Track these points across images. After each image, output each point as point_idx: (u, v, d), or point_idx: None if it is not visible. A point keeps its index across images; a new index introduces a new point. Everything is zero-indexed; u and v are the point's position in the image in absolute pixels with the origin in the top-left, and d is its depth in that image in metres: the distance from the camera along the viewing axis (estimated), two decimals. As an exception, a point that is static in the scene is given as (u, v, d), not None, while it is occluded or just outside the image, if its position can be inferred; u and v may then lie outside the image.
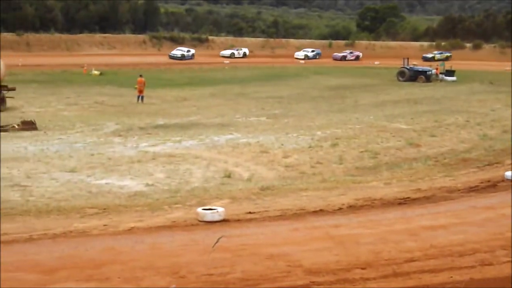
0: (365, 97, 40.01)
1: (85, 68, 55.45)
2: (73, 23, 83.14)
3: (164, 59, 72.38)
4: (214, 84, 49.00)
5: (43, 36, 76.19)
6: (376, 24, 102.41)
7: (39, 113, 29.91)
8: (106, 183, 15.49)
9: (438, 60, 72.22)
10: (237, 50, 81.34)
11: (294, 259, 9.16)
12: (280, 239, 10.52)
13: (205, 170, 17.40)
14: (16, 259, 9.33)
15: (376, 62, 74.65)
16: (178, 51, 75.76)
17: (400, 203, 13.37)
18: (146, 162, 18.29)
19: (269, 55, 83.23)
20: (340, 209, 12.75)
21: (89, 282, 8.30)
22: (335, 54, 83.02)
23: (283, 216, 12.25)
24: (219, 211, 11.86)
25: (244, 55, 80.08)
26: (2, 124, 25.09)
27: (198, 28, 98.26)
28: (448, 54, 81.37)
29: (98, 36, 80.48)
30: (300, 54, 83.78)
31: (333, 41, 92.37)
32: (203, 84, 49.15)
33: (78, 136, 23.58)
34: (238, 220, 11.89)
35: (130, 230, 11.16)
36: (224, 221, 11.70)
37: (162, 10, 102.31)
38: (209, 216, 11.70)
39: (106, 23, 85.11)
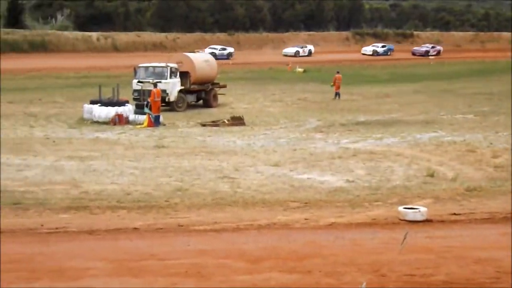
0: None
1: (290, 66, 57.07)
2: (280, 22, 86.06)
3: (361, 55, 72.46)
4: (417, 80, 47.73)
5: (252, 36, 79.82)
6: None
7: (247, 109, 31.37)
8: (308, 178, 15.81)
9: None
10: (302, 47, 72.06)
11: (505, 265, 8.65)
12: (488, 243, 9.99)
13: (406, 168, 17.03)
14: (225, 247, 9.92)
15: None
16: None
17: None
18: (346, 158, 18.36)
19: (479, 49, 79.12)
20: (556, 215, 11.77)
21: (291, 274, 8.56)
22: (415, 48, 76.78)
23: (491, 219, 11.61)
24: (421, 210, 11.57)
25: (310, 53, 70.72)
26: (214, 120, 26.78)
27: (402, 23, 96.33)
28: None
29: (303, 34, 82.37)
30: (368, 49, 75.17)
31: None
32: (405, 80, 48.12)
33: (282, 131, 24.35)
34: (442, 221, 11.50)
35: (331, 225, 11.31)
36: (426, 221, 11.39)
37: (366, 6, 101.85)
38: (411, 215, 11.46)
39: (311, 21, 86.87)
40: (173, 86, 29.89)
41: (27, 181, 14.82)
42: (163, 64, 30.92)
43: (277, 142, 21.52)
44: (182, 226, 11.25)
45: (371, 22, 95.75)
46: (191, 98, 31.71)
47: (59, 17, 71.70)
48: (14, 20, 64.51)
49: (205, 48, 63.28)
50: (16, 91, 35.08)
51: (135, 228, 11.05)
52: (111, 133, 23.09)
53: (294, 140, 21.97)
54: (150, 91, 26.45)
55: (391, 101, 35.71)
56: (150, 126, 24.76)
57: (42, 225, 11.16)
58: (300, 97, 37.34)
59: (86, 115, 26.14)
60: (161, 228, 11.09)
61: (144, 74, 29.70)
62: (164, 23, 77.67)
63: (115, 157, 18.20)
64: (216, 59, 45.88)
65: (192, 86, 31.54)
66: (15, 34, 60.81)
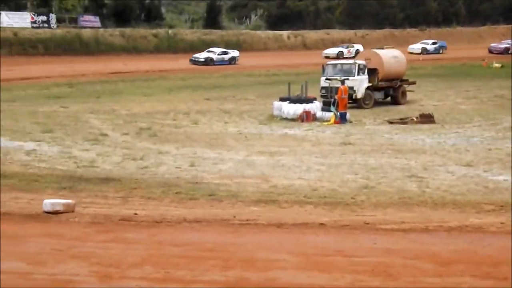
0: None
1: (486, 61, 54.11)
2: (476, 16, 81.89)
3: None
4: None
5: (445, 30, 76.89)
6: None
7: (437, 106, 30.28)
8: (504, 180, 14.88)
9: None
10: (348, 47, 60.32)
11: None
12: None
13: None
14: (413, 247, 9.68)
15: None
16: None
17: None
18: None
19: None
20: None
21: (486, 279, 8.13)
22: (493, 45, 64.23)
23: None
24: None
25: (357, 52, 53.95)
26: (402, 117, 26.21)
27: None
28: None
29: (502, 28, 77.63)
30: (415, 47, 63.46)
31: None
32: None
33: (475, 130, 23.18)
34: None
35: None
36: None
37: None
38: None
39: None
40: (360, 83, 29.73)
41: (221, 174, 15.61)
42: (351, 61, 30.76)
43: (470, 141, 20.52)
44: (368, 224, 11.16)
45: None
46: (378, 95, 31.31)
47: (253, 17, 74.61)
48: (213, 21, 68.26)
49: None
50: (212, 89, 37.12)
51: (322, 224, 11.17)
52: (299, 130, 23.55)
53: (489, 139, 20.80)
54: (337, 88, 26.57)
55: None
56: (337, 123, 24.87)
57: (234, 216, 11.68)
58: (496, 94, 35.22)
59: (275, 112, 26.91)
60: (347, 225, 11.10)
61: (332, 72, 29.89)
62: (353, 20, 77.59)
63: (302, 153, 18.54)
64: (214, 64, 48.45)
65: (380, 83, 31.11)
66: (213, 35, 64.29)
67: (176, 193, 13.57)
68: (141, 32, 57.38)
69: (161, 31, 59.43)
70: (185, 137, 21.03)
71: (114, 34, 55.01)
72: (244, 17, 75.21)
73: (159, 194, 13.47)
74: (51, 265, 8.87)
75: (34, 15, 50.20)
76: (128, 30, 56.57)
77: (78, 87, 34.22)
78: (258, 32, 69.88)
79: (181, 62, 50.56)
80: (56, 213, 11.65)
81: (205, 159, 17.50)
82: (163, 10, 69.00)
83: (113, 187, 13.98)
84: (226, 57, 53.93)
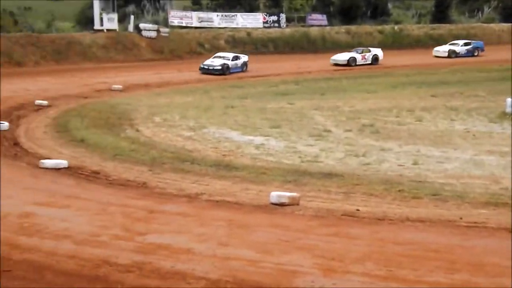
0: None
1: None
2: None
3: None
4: None
5: None
6: None
7: None
8: None
9: None
10: (362, 52, 44.00)
11: None
12: None
13: None
14: None
15: None
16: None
17: None
18: None
19: None
20: None
21: None
22: None
23: None
24: None
25: (375, 60, 43.64)
26: None
27: None
28: None
29: None
30: (441, 49, 48.54)
31: None
32: None
33: None
34: None
35: None
36: None
37: None
38: None
39: None
40: None
41: (446, 173, 15.05)
42: None
43: None
44: None
45: None
46: None
47: (485, 9, 70.83)
48: (441, 15, 66.20)
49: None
50: (438, 85, 35.88)
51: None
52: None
53: None
54: None
55: None
56: None
57: (460, 218, 11.20)
58: None
59: (508, 109, 25.22)
60: None
61: None
62: None
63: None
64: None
65: None
66: (441, 29, 62.27)
67: (399, 191, 13.38)
68: (367, 29, 57.55)
69: (387, 27, 59.03)
70: (408, 135, 20.61)
71: (340, 31, 55.80)
72: (475, 10, 71.67)
73: (381, 191, 13.39)
74: (277, 254, 9.27)
75: (266, 15, 52.75)
76: (353, 27, 57.07)
77: (304, 84, 35.19)
78: (491, 25, 66.09)
79: (407, 58, 49.61)
80: (282, 205, 12.16)
81: (429, 157, 16.99)
82: (389, 6, 68.47)
83: (336, 183, 14.19)
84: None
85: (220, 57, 38.14)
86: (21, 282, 8.11)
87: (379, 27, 58.96)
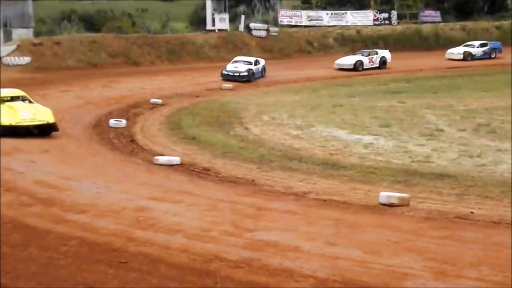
0: None
1: None
2: None
3: None
4: None
5: None
6: None
7: None
8: None
9: None
10: (369, 55, 38.99)
11: None
12: None
13: None
14: None
15: None
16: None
17: None
18: None
19: None
20: None
21: None
22: None
23: None
24: None
25: (383, 63, 38.98)
26: None
27: None
28: None
29: None
30: (455, 51, 41.64)
31: None
32: None
33: None
34: None
35: None
36: None
37: None
38: None
39: None
40: None
41: None
42: None
43: None
44: None
45: None
46: None
47: None
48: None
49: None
50: None
51: None
52: None
53: None
54: None
55: None
56: None
57: None
58: None
59: None
60: None
61: None
62: None
63: None
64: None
65: None
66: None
67: (517, 194, 12.78)
68: (483, 25, 55.29)
69: (505, 22, 56.44)
70: (528, 135, 19.61)
71: (454, 28, 53.95)
72: None
73: (497, 194, 12.85)
74: (386, 256, 9.12)
75: (377, 12, 51.98)
76: (469, 23, 55.02)
77: (416, 82, 34.31)
78: None
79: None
80: (391, 205, 11.94)
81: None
82: (508, 0, 65.37)
83: (448, 184, 13.76)
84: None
85: (241, 61, 33.94)
86: (136, 274, 8.44)
87: (497, 23, 56.48)
